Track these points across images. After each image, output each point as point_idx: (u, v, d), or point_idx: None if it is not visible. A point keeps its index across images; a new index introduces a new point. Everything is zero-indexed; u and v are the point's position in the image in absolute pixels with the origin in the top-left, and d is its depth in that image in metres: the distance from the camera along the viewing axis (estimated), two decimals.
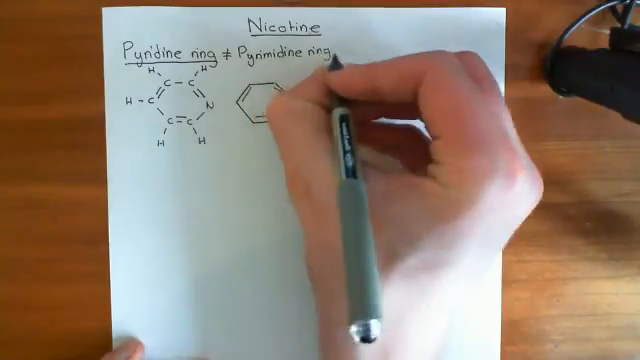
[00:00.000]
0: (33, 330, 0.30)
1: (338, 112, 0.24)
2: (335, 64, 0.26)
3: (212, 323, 0.30)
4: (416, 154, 0.26)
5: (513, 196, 0.21)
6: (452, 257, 0.22)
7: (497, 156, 0.21)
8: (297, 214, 0.24)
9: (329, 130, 0.24)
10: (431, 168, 0.22)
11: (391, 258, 0.21)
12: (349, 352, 0.23)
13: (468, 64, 0.23)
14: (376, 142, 0.28)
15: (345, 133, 0.23)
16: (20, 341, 0.30)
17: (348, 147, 0.23)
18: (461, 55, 0.24)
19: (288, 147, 0.25)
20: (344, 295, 0.20)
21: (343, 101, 0.25)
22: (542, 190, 0.23)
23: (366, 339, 0.19)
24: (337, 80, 0.24)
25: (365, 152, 0.26)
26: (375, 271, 0.20)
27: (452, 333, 0.25)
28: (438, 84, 0.22)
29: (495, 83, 0.24)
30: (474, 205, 0.21)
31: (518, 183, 0.21)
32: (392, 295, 0.21)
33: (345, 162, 0.23)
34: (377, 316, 0.19)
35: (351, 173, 0.22)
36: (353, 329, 0.19)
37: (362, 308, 0.19)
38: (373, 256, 0.20)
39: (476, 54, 0.25)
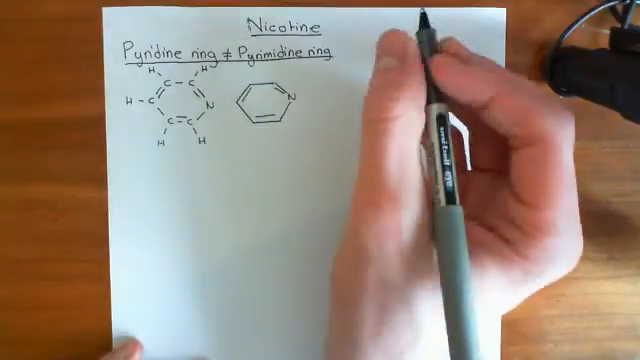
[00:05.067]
0: (33, 330, 0.30)
1: (435, 110, 0.21)
2: (424, 24, 0.22)
3: (212, 323, 0.30)
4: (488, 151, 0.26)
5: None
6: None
7: (572, 241, 0.23)
8: (351, 215, 0.23)
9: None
10: (511, 231, 0.23)
11: None
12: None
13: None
14: None
15: (444, 141, 0.21)
16: (20, 341, 0.30)
17: (447, 161, 0.20)
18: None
19: (376, 153, 0.22)
20: (362, 305, 0.22)
21: (439, 92, 0.21)
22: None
23: None
24: (452, 80, 0.21)
25: None
26: (475, 321, 0.20)
27: None
28: (549, 160, 0.21)
29: None
30: (540, 279, 0.23)
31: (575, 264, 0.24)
32: None
33: (445, 183, 0.20)
34: None
35: (451, 198, 0.20)
36: None
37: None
38: (472, 299, 0.20)
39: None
